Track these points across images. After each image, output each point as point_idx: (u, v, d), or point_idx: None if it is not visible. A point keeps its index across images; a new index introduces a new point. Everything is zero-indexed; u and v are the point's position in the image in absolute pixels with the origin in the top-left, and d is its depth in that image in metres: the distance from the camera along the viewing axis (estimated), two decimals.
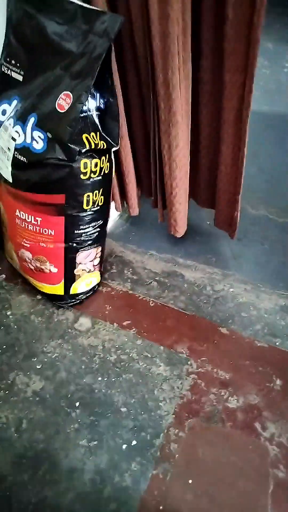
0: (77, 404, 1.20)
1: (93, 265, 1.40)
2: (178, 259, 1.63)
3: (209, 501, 1.02)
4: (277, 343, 1.33)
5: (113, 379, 1.25)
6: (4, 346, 1.35)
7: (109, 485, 1.05)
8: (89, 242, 1.32)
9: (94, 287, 1.48)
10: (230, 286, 1.53)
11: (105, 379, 1.25)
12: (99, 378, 1.26)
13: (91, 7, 1.08)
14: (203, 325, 1.40)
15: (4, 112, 1.21)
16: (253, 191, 1.86)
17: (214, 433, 1.14)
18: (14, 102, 1.19)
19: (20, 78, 1.20)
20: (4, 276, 1.56)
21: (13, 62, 1.21)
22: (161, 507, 1.01)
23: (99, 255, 1.41)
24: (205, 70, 1.20)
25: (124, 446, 1.12)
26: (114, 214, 1.77)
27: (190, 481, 1.05)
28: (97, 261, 1.41)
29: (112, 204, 1.64)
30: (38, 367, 1.29)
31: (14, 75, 1.21)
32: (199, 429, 1.14)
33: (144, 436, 1.13)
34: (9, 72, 1.22)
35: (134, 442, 1.12)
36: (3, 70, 1.23)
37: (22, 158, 1.16)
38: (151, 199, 1.61)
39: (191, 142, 1.37)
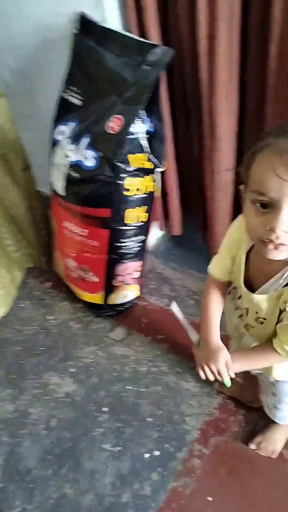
0: (106, 409, 1.24)
1: (133, 278, 1.47)
2: None
3: None
4: None
5: (142, 390, 1.28)
6: (44, 348, 1.43)
7: (128, 491, 1.07)
8: (130, 256, 1.39)
9: (133, 300, 1.54)
10: None
11: (135, 388, 1.29)
12: (129, 387, 1.29)
13: (145, 40, 1.19)
14: None
15: (62, 133, 1.34)
16: None
17: (239, 453, 1.12)
18: (72, 124, 1.32)
19: (79, 103, 1.33)
20: (50, 283, 1.67)
21: (74, 89, 1.35)
22: None
23: (139, 269, 1.47)
24: (250, 101, 1.26)
25: (146, 455, 1.13)
26: (158, 233, 1.83)
27: (210, 499, 1.04)
28: (136, 274, 1.47)
29: (157, 223, 1.71)
30: (72, 370, 1.35)
31: (74, 100, 1.34)
32: (223, 448, 1.13)
33: (168, 448, 1.14)
34: (70, 98, 1.36)
35: (157, 453, 1.14)
36: (64, 96, 1.37)
37: (74, 174, 1.27)
38: (195, 221, 1.66)
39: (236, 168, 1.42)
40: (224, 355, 0.83)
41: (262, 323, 0.81)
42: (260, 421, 1.17)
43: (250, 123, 1.30)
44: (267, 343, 0.82)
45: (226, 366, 0.82)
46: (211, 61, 1.14)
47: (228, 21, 1.09)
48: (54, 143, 1.35)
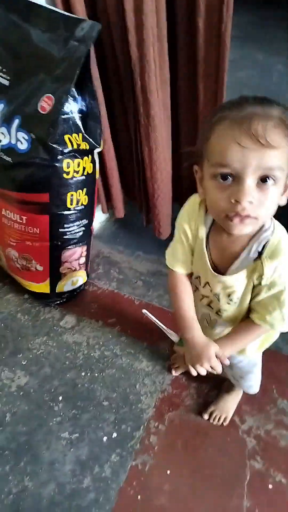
0: (60, 398, 1.22)
1: (79, 264, 1.44)
2: (164, 259, 1.66)
3: (186, 492, 1.04)
4: None
5: (96, 374, 1.28)
6: None
7: (89, 476, 1.07)
8: (74, 241, 1.36)
9: (81, 286, 1.51)
10: None
11: (89, 374, 1.28)
12: (83, 373, 1.28)
13: (71, 15, 1.14)
14: None
15: None
16: None
17: (193, 425, 1.16)
18: (0, 106, 1.24)
19: (6, 82, 1.25)
20: None
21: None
22: (139, 497, 1.03)
23: (84, 254, 1.44)
24: (182, 77, 1.25)
25: (104, 439, 1.14)
26: (102, 217, 1.81)
27: (168, 472, 1.07)
28: (82, 260, 1.45)
29: (99, 206, 1.68)
30: (23, 363, 1.31)
31: (0, 80, 1.26)
32: (178, 422, 1.16)
33: (125, 428, 1.15)
34: None
35: (114, 435, 1.14)
36: None
37: (7, 158, 1.20)
38: (137, 202, 1.65)
39: (173, 146, 1.41)
40: (213, 349, 0.80)
41: (236, 303, 0.80)
42: (211, 392, 1.21)
43: (183, 99, 1.30)
44: (246, 321, 0.82)
45: (217, 357, 0.80)
46: (139, 36, 1.11)
47: None
48: None
